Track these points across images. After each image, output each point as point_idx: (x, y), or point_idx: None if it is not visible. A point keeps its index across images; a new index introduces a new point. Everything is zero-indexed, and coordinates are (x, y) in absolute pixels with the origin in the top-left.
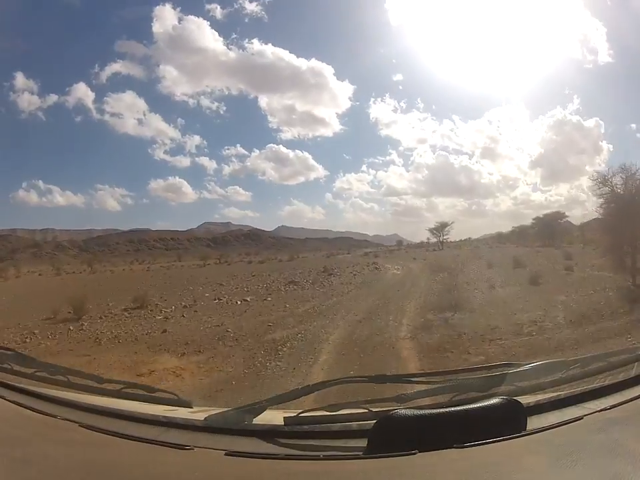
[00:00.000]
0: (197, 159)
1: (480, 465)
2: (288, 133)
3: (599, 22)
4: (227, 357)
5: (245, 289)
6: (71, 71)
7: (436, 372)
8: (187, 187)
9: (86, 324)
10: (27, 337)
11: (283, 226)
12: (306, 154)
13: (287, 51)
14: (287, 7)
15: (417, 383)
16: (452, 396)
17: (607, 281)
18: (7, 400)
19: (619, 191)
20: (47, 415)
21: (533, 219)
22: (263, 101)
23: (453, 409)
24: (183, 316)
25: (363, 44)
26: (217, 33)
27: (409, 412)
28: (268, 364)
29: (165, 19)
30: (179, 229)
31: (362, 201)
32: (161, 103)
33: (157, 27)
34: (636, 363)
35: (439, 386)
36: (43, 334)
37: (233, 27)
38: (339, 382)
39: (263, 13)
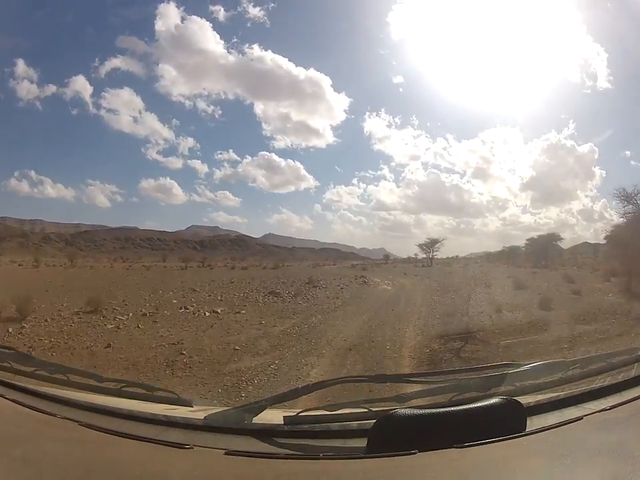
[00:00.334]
0: (189, 161)
1: (480, 464)
2: (281, 142)
3: (600, 47)
4: None
5: (219, 298)
6: (72, 62)
7: (436, 372)
8: (177, 189)
9: (28, 326)
10: None
11: (270, 234)
12: (298, 164)
13: (287, 59)
14: (290, 14)
15: (417, 382)
16: (452, 396)
17: (624, 306)
18: (6, 398)
19: None
20: (46, 413)
21: (527, 240)
22: (259, 107)
23: (452, 408)
24: (138, 326)
25: (363, 57)
26: (218, 36)
27: (408, 412)
28: None
29: (168, 17)
30: (167, 230)
31: (351, 214)
32: (158, 102)
33: (159, 25)
34: (636, 364)
35: (439, 386)
36: None
37: (235, 31)
38: (339, 381)
39: (266, 18)
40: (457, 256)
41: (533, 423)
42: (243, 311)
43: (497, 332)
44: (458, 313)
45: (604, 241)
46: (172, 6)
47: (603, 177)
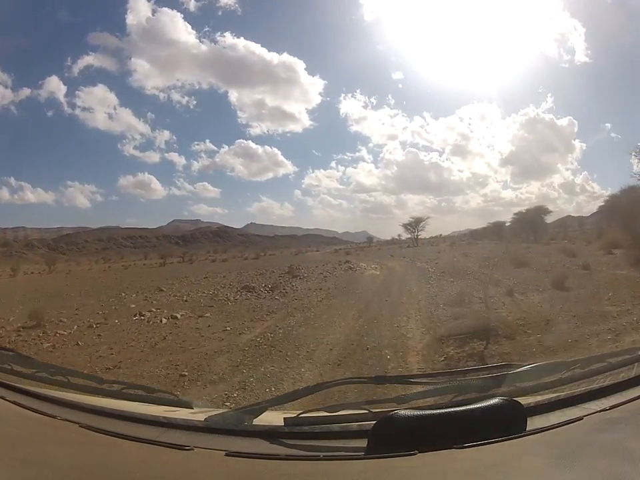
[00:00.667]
0: (166, 154)
1: (480, 465)
2: (257, 129)
3: (577, 22)
4: None
5: (184, 298)
6: (45, 63)
7: (436, 373)
8: (156, 183)
9: None
10: None
11: (252, 223)
12: (275, 150)
13: (259, 45)
14: (261, 1)
15: (417, 384)
16: (452, 397)
17: None
18: (7, 400)
19: None
20: (47, 415)
21: (515, 214)
22: (233, 95)
23: (452, 409)
24: (78, 344)
25: (336, 38)
26: (189, 26)
27: (408, 412)
28: None
29: (139, 10)
30: (149, 227)
31: (331, 198)
32: (132, 97)
33: (130, 19)
34: (636, 364)
35: (439, 387)
36: None
37: (206, 20)
38: (339, 383)
39: (237, 5)
40: (440, 235)
41: (533, 423)
42: (208, 314)
43: (520, 324)
44: (464, 300)
45: (587, 214)
46: None
47: (584, 149)
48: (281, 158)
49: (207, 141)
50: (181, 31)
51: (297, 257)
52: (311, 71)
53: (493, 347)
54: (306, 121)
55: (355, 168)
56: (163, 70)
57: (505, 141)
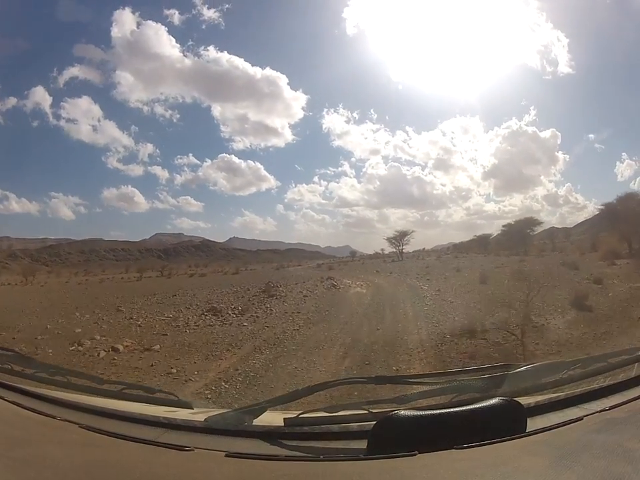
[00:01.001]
0: (149, 167)
1: (480, 465)
2: (240, 143)
3: (560, 33)
4: None
5: (139, 322)
6: (31, 73)
7: (436, 373)
8: (139, 197)
9: None
10: None
11: (234, 237)
12: (258, 164)
13: (242, 59)
14: (245, 14)
15: (417, 384)
16: (452, 397)
17: None
18: (7, 400)
19: None
20: (46, 415)
21: (503, 226)
22: (216, 109)
23: (453, 409)
24: None
25: (319, 53)
26: (174, 39)
27: (408, 413)
28: None
29: (124, 23)
30: (131, 240)
31: (313, 212)
32: (116, 110)
33: (115, 32)
34: (636, 364)
35: (439, 387)
36: None
37: (190, 34)
38: (340, 383)
39: (221, 19)
40: (424, 248)
41: (534, 423)
42: (157, 346)
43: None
44: (477, 327)
45: (571, 225)
46: (127, 12)
47: (567, 161)
48: (264, 172)
49: (190, 154)
50: (165, 44)
51: (277, 272)
52: (293, 85)
53: None
54: (289, 136)
55: (337, 183)
56: (147, 83)
57: (487, 154)
